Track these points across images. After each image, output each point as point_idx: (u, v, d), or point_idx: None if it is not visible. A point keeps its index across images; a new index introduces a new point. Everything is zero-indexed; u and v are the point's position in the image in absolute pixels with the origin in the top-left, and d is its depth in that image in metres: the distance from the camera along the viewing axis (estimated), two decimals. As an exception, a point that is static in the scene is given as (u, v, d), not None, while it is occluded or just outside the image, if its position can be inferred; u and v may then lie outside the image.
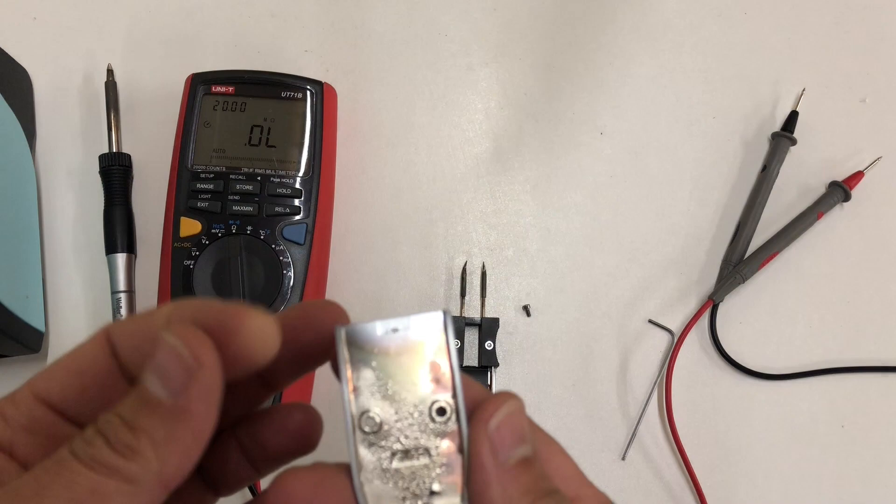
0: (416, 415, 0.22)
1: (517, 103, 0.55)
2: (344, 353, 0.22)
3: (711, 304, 0.51)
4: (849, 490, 0.49)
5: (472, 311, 0.51)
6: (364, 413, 0.22)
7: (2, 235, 0.45)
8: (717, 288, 0.51)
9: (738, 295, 0.52)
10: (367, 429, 0.22)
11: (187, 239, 0.46)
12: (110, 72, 0.53)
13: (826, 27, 0.57)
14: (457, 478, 0.21)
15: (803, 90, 0.55)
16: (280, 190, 0.47)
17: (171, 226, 0.47)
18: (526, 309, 0.51)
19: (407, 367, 0.22)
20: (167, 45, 0.55)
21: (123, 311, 0.49)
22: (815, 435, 0.50)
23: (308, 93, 0.49)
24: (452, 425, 0.22)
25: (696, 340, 0.51)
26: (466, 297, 0.51)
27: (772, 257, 0.51)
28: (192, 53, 0.55)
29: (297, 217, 0.47)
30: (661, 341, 0.51)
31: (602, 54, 0.56)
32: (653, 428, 0.50)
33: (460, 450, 0.22)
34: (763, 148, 0.55)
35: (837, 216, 0.53)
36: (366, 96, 0.55)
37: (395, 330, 0.22)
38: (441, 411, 0.22)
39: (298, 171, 0.48)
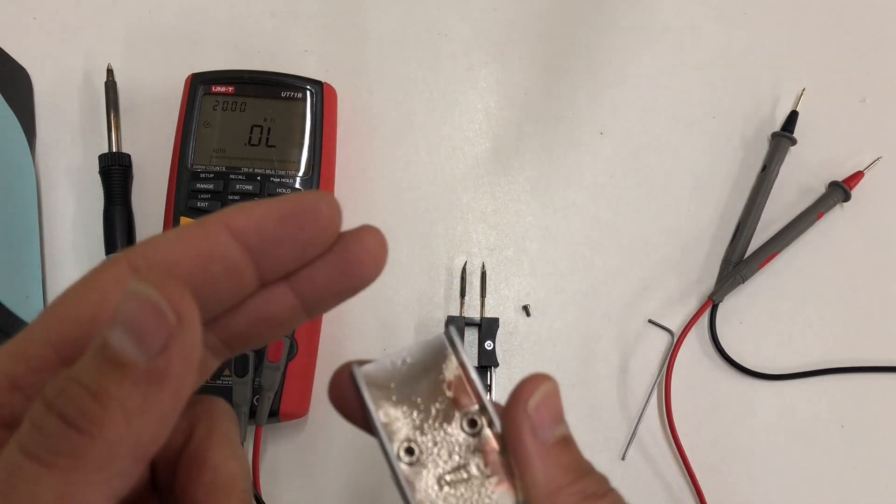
0: (449, 434, 0.22)
1: (517, 103, 0.55)
2: (367, 394, 0.22)
3: (711, 304, 0.51)
4: (849, 490, 0.49)
5: (472, 311, 0.51)
6: (401, 447, 0.22)
7: (2, 235, 0.45)
8: (717, 288, 0.51)
9: (738, 295, 0.52)
10: (407, 461, 0.22)
11: (187, 239, 0.46)
12: (110, 72, 0.53)
13: (826, 27, 0.57)
14: (507, 482, 0.21)
15: (803, 90, 0.55)
16: (280, 190, 0.47)
17: (171, 226, 0.47)
18: (526, 309, 0.51)
19: (428, 393, 0.22)
20: (167, 45, 0.55)
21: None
22: (815, 435, 0.50)
23: (308, 93, 0.49)
24: (488, 434, 0.22)
25: (696, 340, 0.51)
26: (466, 297, 0.51)
27: (772, 257, 0.51)
28: (192, 53, 0.55)
29: (297, 217, 0.47)
30: (661, 341, 0.51)
31: (602, 54, 0.56)
32: (652, 428, 0.50)
33: (501, 452, 0.22)
34: (763, 148, 0.55)
35: (837, 216, 0.53)
36: (366, 96, 0.55)
37: (405, 361, 0.22)
38: (472, 423, 0.22)
39: (298, 171, 0.48)
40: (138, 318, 0.16)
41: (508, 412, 0.21)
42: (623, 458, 0.49)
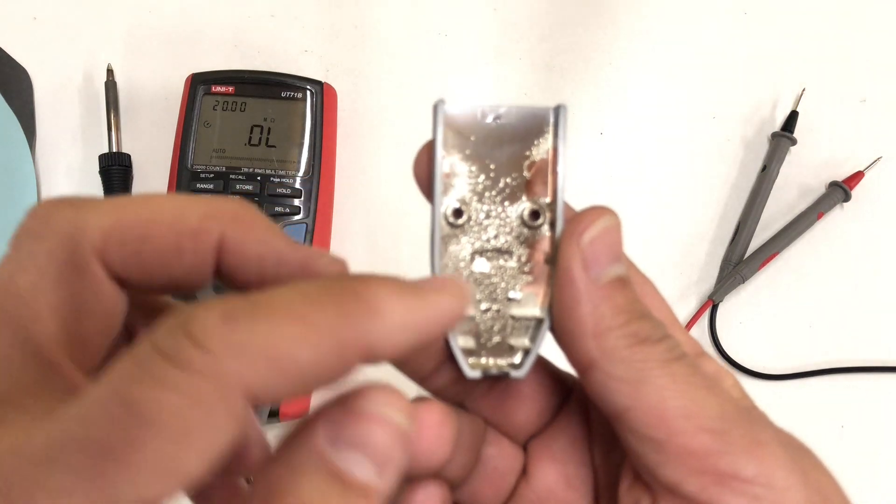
0: (506, 214, 0.20)
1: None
2: (440, 133, 0.20)
3: (711, 304, 0.51)
4: (849, 490, 0.49)
5: (472, 311, 0.50)
6: (451, 205, 0.20)
7: (2, 236, 0.45)
8: (717, 288, 0.51)
9: (738, 295, 0.52)
10: (453, 220, 0.20)
11: (187, 239, 0.46)
12: (110, 72, 0.53)
13: (826, 27, 0.57)
14: (539, 288, 0.20)
15: (803, 90, 0.55)
16: (280, 190, 0.47)
17: (171, 226, 0.47)
18: (526, 309, 0.51)
19: (505, 162, 0.20)
20: (167, 45, 0.55)
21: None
22: (814, 435, 0.50)
23: (308, 93, 0.49)
24: (545, 233, 0.20)
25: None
26: (466, 297, 0.51)
27: (772, 257, 0.51)
28: (192, 53, 0.55)
29: (297, 217, 0.47)
30: (661, 341, 0.51)
31: (602, 54, 0.56)
32: (653, 428, 0.50)
33: (549, 261, 0.20)
34: (763, 148, 0.55)
35: (837, 216, 0.53)
36: (366, 96, 0.54)
37: (498, 118, 0.20)
38: (535, 215, 0.20)
39: (298, 171, 0.48)
40: (388, 451, 0.16)
41: (562, 243, 0.19)
42: (623, 458, 0.49)
